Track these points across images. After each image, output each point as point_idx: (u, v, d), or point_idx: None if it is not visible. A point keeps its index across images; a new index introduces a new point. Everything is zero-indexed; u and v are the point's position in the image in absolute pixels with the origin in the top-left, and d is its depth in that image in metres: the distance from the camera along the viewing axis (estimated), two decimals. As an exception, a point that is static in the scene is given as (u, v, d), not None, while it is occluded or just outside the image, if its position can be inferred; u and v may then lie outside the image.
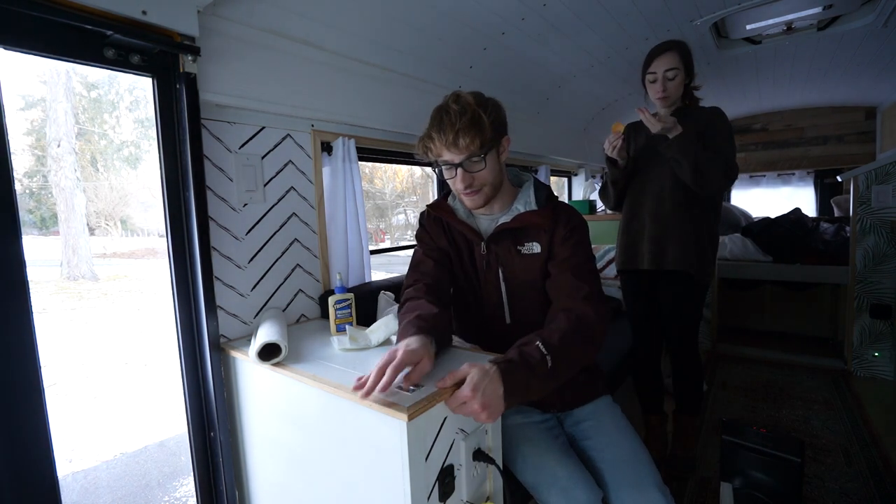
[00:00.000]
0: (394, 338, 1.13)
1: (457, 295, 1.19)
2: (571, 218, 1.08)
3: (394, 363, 0.79)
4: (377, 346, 1.10)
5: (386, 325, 1.13)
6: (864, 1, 1.96)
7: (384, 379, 0.77)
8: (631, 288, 1.80)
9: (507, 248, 1.08)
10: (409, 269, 1.18)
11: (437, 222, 1.17)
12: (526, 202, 1.10)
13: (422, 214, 1.22)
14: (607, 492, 0.98)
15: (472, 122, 0.96)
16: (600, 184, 2.04)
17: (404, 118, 1.73)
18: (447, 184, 1.10)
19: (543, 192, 1.12)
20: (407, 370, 0.82)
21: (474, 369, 0.80)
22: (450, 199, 1.17)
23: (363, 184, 1.57)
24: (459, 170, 1.01)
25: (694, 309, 1.67)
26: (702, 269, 1.61)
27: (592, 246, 2.66)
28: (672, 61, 1.54)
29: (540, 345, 0.87)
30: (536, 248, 1.07)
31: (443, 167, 1.03)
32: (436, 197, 2.32)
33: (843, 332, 2.77)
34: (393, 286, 1.59)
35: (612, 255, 2.50)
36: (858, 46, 2.37)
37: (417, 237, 1.21)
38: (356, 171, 1.54)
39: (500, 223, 1.09)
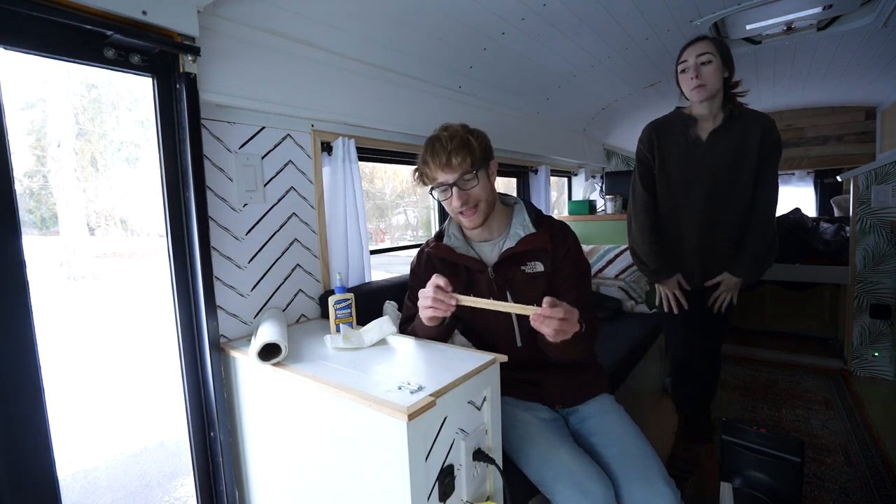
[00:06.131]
0: (388, 339, 1.13)
1: (464, 326, 1.22)
2: (566, 235, 1.19)
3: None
4: (370, 347, 1.10)
5: (380, 325, 1.12)
6: (864, 1, 1.96)
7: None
8: (684, 313, 1.64)
9: (513, 270, 1.16)
10: (407, 301, 1.24)
11: (432, 262, 1.22)
12: (523, 224, 1.18)
13: (419, 252, 1.27)
14: (616, 486, 1.00)
15: (462, 144, 1.08)
16: (630, 192, 1.70)
17: (404, 118, 1.73)
18: (441, 221, 1.16)
19: (534, 212, 1.21)
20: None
21: (566, 305, 0.97)
22: (444, 239, 1.22)
23: (363, 184, 1.57)
24: (455, 189, 1.10)
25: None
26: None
27: (592, 246, 2.67)
28: (704, 47, 1.46)
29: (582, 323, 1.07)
30: (539, 267, 1.15)
31: (439, 190, 1.12)
32: (435, 199, 2.33)
33: (843, 332, 2.77)
34: (393, 286, 1.58)
35: (612, 254, 2.50)
36: (858, 46, 2.37)
37: (412, 271, 1.28)
38: (356, 171, 1.54)
39: (505, 249, 1.16)
